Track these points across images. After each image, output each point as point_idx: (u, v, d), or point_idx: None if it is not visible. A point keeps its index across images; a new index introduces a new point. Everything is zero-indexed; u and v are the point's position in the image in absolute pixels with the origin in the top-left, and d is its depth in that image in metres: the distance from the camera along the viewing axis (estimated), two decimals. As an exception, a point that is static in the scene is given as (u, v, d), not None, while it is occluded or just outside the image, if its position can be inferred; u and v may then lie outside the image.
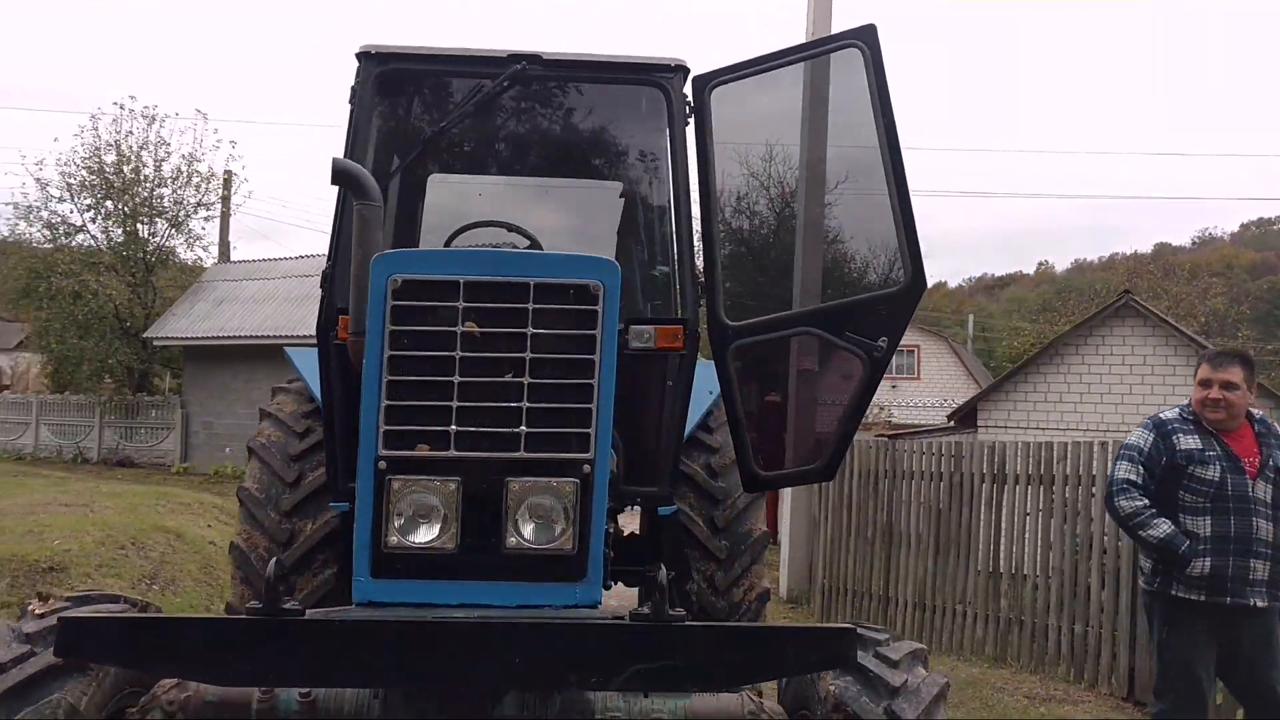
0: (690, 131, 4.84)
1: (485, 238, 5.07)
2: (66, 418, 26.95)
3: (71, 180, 26.20)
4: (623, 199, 5.88)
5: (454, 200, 6.05)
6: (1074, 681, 7.57)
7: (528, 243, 5.06)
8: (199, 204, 27.13)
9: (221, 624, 2.69)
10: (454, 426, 2.94)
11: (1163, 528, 4.87)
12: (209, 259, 29.22)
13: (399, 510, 2.93)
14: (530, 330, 2.96)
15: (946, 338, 42.94)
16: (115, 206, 26.42)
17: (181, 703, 3.02)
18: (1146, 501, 4.95)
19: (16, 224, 26.50)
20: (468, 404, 2.95)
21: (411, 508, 2.93)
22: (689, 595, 4.99)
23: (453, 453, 2.94)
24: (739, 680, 2.85)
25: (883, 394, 38.81)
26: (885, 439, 10.95)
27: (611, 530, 4.89)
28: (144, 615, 2.84)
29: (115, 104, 32.99)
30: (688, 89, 4.86)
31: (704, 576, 5.25)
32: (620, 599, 10.01)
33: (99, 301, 24.95)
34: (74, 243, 26.48)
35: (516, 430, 2.95)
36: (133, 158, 26.41)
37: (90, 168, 26.14)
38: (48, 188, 26.29)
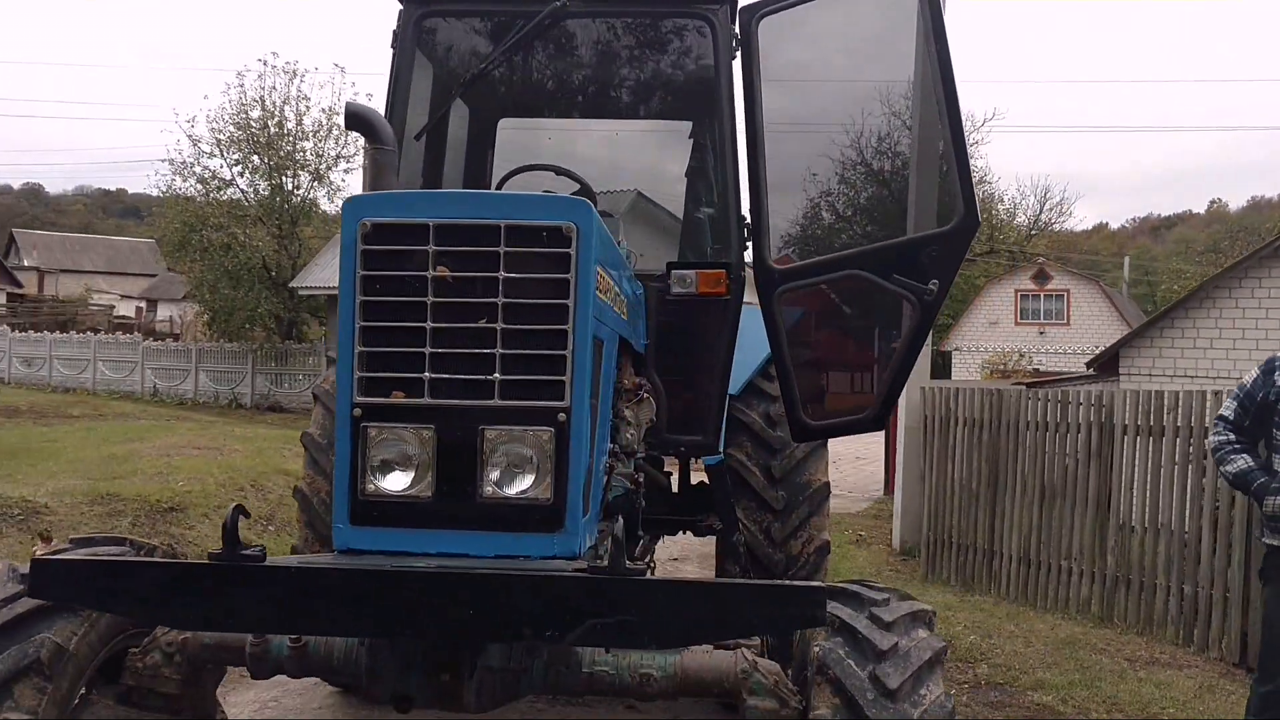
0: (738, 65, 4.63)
1: (548, 182, 5.02)
2: (222, 365, 28.27)
3: (220, 136, 27.29)
4: (691, 139, 5.72)
5: (524, 143, 5.97)
6: (1182, 645, 7.14)
7: (578, 187, 4.97)
8: (338, 156, 27.90)
9: (180, 568, 2.71)
10: (428, 374, 2.88)
11: (1239, 462, 4.70)
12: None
13: (375, 458, 2.89)
14: (502, 274, 2.86)
15: (1099, 282, 40.98)
16: (261, 161, 27.39)
17: (179, 645, 3.09)
18: (1232, 436, 4.77)
19: (173, 180, 27.74)
20: (441, 350, 2.88)
21: (387, 455, 2.89)
22: (737, 547, 4.86)
23: (427, 400, 2.88)
24: (700, 638, 2.72)
25: (1029, 340, 37.46)
26: (1022, 386, 10.47)
27: (660, 479, 4.79)
28: (106, 559, 2.88)
29: (259, 60, 34.06)
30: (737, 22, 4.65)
31: (760, 528, 5.11)
32: (686, 549, 9.86)
33: (247, 253, 26.02)
34: (224, 196, 27.61)
35: (490, 377, 2.87)
36: (276, 113, 27.31)
37: (237, 123, 27.16)
38: (199, 144, 27.47)
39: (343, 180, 28.49)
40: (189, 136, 27.67)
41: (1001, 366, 32.04)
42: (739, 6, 4.72)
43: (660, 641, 2.62)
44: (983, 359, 35.81)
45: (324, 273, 25.86)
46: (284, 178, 27.67)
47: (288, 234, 27.55)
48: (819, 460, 5.25)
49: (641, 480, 4.22)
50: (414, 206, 2.91)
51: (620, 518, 2.73)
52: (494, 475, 2.87)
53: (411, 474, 2.89)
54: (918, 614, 2.96)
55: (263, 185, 27.69)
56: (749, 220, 4.65)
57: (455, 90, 4.95)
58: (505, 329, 2.86)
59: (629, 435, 4.19)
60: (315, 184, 28.16)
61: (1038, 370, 28.78)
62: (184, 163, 27.58)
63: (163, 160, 37.33)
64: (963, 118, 4.39)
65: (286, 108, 27.47)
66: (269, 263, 26.86)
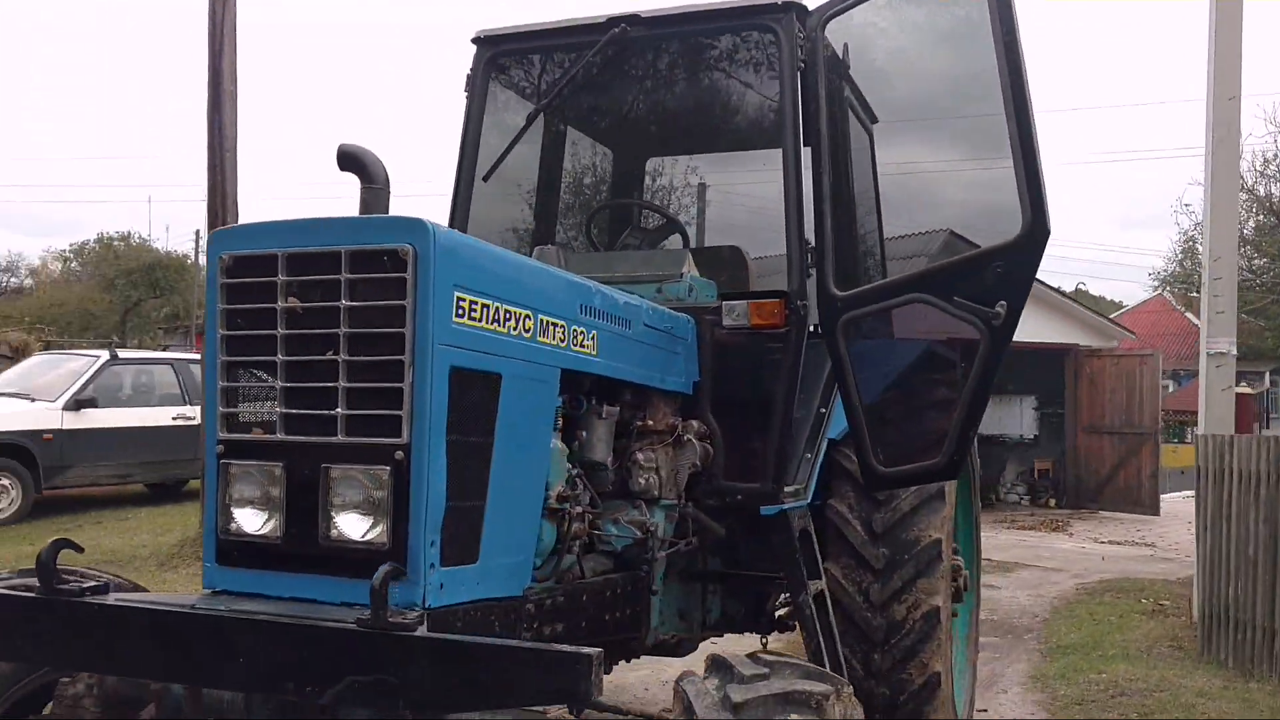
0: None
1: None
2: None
3: None
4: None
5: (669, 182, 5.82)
6: None
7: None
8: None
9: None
10: (279, 409, 2.78)
11: None
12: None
13: (233, 495, 2.82)
14: (343, 304, 2.71)
15: None
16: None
17: (97, 680, 3.13)
18: None
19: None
20: (292, 385, 2.77)
21: (243, 493, 2.81)
22: (803, 609, 4.31)
23: (279, 437, 2.78)
24: (466, 705, 2.38)
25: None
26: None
27: (716, 530, 4.35)
28: None
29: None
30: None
31: (859, 589, 4.56)
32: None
33: None
34: None
35: (334, 413, 2.72)
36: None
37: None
38: None
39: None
40: None
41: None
42: (806, 12, 4.36)
43: (418, 706, 2.33)
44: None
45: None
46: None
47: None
48: (931, 514, 4.60)
49: (656, 529, 3.87)
50: (266, 237, 2.83)
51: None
52: (336, 517, 2.71)
53: (265, 513, 2.79)
54: (791, 695, 2.44)
55: None
56: (812, 244, 4.23)
57: (523, 127, 4.84)
58: (348, 361, 2.71)
59: (643, 480, 3.88)
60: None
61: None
62: None
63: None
64: (1032, 109, 3.77)
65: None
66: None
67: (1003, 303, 3.82)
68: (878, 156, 5.33)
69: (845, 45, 4.86)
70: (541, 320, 3.17)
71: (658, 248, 4.84)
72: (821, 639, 4.45)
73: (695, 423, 4.24)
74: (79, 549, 2.79)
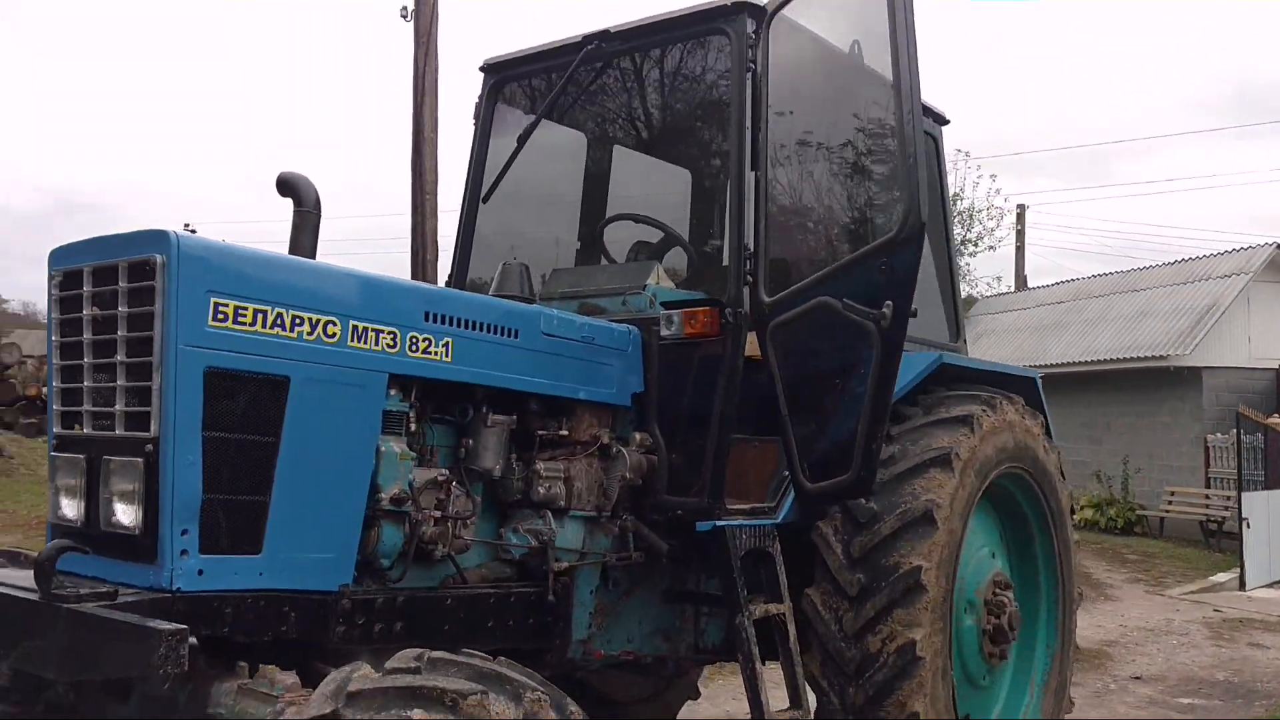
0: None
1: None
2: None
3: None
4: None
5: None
6: None
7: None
8: (963, 240, 27.65)
9: None
10: (85, 406, 3.10)
11: None
12: (1000, 288, 29.70)
13: (57, 485, 3.16)
14: (120, 311, 2.99)
15: None
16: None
17: None
18: None
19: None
20: (93, 385, 3.08)
21: (62, 483, 3.14)
22: (739, 630, 4.06)
23: (85, 431, 3.10)
24: (72, 672, 2.59)
25: None
26: None
27: (658, 545, 4.21)
28: None
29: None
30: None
31: (835, 616, 4.28)
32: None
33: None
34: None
35: (113, 409, 3.00)
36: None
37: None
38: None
39: (967, 263, 28.22)
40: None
41: None
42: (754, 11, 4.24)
43: (59, 671, 2.55)
44: None
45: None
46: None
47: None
48: (916, 539, 4.22)
49: (553, 539, 3.84)
50: (77, 254, 3.16)
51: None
52: (113, 504, 2.97)
53: (74, 500, 3.11)
54: (420, 691, 2.39)
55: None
56: (750, 249, 4.09)
57: (518, 144, 4.94)
58: (123, 362, 2.98)
59: (543, 490, 3.88)
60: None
61: None
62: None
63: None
64: (917, 97, 3.50)
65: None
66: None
67: (889, 303, 3.52)
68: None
69: (856, 42, 4.63)
70: (354, 326, 3.28)
71: (640, 259, 4.78)
72: (785, 664, 4.22)
73: (639, 435, 4.17)
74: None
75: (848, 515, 4.33)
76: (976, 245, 27.95)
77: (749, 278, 4.03)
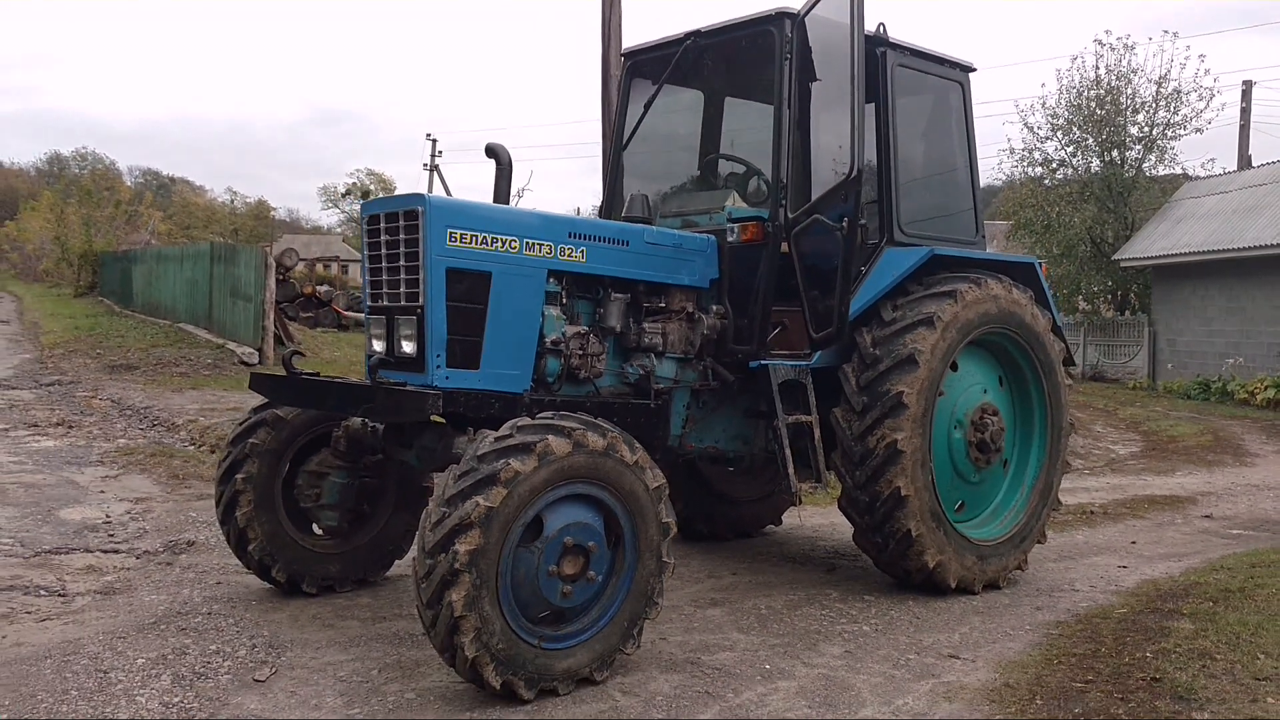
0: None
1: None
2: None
3: (1056, 121, 29.09)
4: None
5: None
6: None
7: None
8: (1168, 124, 27.62)
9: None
10: (385, 290, 5.63)
11: None
12: (1215, 169, 29.55)
13: (369, 333, 5.73)
14: (401, 237, 5.46)
15: None
16: (1096, 139, 28.48)
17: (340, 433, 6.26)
18: None
19: (1013, 169, 30.51)
20: (388, 277, 5.60)
21: (372, 332, 5.71)
22: (807, 436, 6.23)
23: (383, 303, 5.64)
24: (387, 417, 5.18)
25: None
26: None
27: (726, 376, 6.48)
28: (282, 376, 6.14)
29: (1095, 41, 35.02)
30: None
31: (848, 425, 6.43)
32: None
33: (1072, 230, 27.51)
34: (1058, 177, 29.37)
35: (398, 290, 5.50)
36: (1111, 90, 28.10)
37: (1075, 105, 28.64)
38: (1036, 130, 29.65)
39: (1172, 146, 28.15)
40: (1025, 124, 29.98)
41: None
42: (790, 15, 6.28)
43: (379, 417, 5.21)
44: None
45: (1143, 243, 26.12)
46: (1115, 153, 28.37)
47: (1117, 207, 28.19)
48: (903, 374, 6.27)
49: (652, 371, 6.13)
50: (378, 206, 5.63)
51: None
52: (399, 342, 5.47)
53: (380, 340, 5.67)
54: (520, 446, 4.80)
55: (1095, 163, 28.78)
56: (784, 183, 6.25)
57: (640, 115, 7.17)
58: (404, 265, 5.42)
59: (646, 340, 6.18)
60: (1145, 154, 28.33)
61: None
62: (1023, 151, 30.12)
63: (1002, 149, 40.75)
64: (861, 76, 5.52)
65: (1122, 83, 28.12)
66: (1095, 235, 27.90)
67: (845, 219, 5.63)
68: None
69: (881, 24, 6.63)
70: (527, 242, 5.63)
71: (728, 187, 6.95)
72: (811, 455, 6.39)
73: (715, 307, 6.41)
74: (302, 355, 5.90)
75: (860, 358, 6.46)
76: (1184, 128, 27.73)
77: (782, 203, 6.18)
